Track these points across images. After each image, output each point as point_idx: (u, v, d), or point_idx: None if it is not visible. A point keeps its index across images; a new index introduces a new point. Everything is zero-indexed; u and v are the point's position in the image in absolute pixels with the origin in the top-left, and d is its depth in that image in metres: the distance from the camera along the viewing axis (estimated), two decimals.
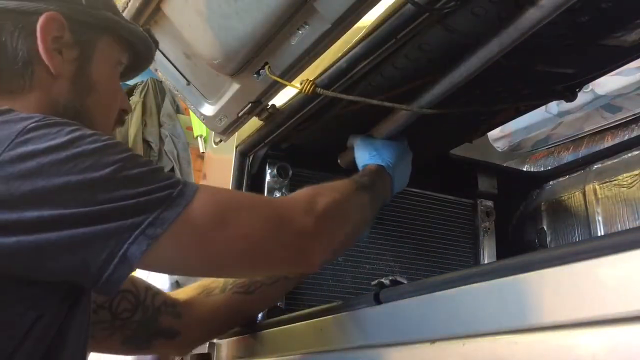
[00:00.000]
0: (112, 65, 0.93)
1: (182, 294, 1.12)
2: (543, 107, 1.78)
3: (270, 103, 1.18)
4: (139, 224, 0.71)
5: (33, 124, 0.71)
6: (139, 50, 0.97)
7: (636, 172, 1.45)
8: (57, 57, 0.85)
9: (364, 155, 1.18)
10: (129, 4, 1.09)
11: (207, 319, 1.10)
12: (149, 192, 0.73)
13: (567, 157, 1.84)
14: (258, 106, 1.15)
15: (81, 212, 0.68)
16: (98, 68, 0.90)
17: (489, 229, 1.58)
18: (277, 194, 1.32)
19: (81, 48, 0.88)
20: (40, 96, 0.84)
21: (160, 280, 1.57)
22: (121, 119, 0.98)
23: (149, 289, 1.08)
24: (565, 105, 1.75)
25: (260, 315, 1.22)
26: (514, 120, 1.51)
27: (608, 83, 1.66)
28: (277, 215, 0.86)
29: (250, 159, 1.36)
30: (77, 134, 0.72)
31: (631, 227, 1.44)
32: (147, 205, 0.72)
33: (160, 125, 3.73)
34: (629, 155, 1.51)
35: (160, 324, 1.06)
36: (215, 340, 1.26)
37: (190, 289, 1.14)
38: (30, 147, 0.69)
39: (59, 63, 0.85)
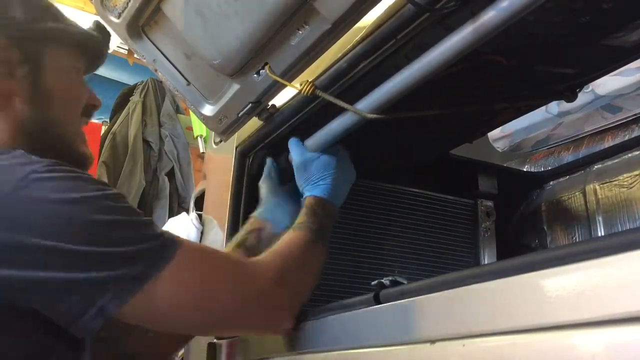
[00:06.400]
0: (67, 71, 0.95)
1: None
2: (543, 107, 1.78)
3: (270, 103, 1.18)
4: (121, 279, 0.74)
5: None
6: (90, 48, 1.00)
7: (636, 172, 1.45)
8: (10, 80, 0.87)
9: (300, 180, 1.13)
10: (129, 4, 1.09)
11: None
12: (139, 241, 0.76)
13: (568, 157, 1.84)
14: (258, 106, 1.15)
15: (74, 250, 0.71)
16: (53, 78, 0.92)
17: (489, 229, 1.58)
18: None
19: (30, 64, 0.89)
20: (4, 120, 0.87)
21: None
22: (89, 114, 1.00)
23: None
24: (565, 106, 1.75)
25: None
26: (514, 120, 1.51)
27: (608, 83, 1.66)
28: (249, 291, 0.88)
29: (250, 159, 1.36)
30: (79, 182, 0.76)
31: (631, 227, 1.44)
32: (134, 256, 0.75)
33: (160, 125, 3.72)
34: (629, 155, 1.51)
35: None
36: (215, 340, 1.26)
37: None
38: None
39: (13, 85, 0.88)
